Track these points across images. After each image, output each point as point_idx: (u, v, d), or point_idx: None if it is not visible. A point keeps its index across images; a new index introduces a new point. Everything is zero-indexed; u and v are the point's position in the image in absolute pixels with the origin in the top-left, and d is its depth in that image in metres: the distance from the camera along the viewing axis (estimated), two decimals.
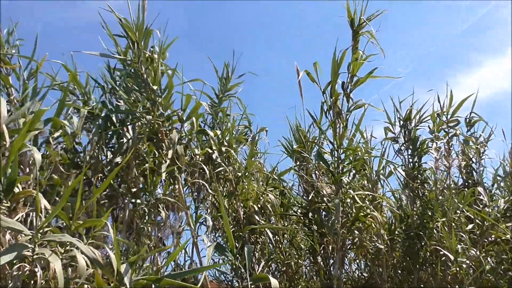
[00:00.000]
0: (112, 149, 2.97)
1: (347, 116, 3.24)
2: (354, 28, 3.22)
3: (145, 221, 2.82)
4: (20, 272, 1.63)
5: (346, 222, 3.30)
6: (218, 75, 3.93)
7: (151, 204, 2.82)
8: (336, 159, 3.28)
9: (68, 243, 1.92)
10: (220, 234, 4.00)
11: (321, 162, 3.40)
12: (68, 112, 2.78)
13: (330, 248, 3.84)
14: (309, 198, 4.13)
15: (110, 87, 3.01)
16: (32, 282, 1.78)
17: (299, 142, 4.27)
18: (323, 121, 3.43)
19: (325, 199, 3.91)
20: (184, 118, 3.11)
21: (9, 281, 1.67)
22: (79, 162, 2.93)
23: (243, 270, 3.44)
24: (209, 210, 3.84)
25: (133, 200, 2.93)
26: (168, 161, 2.83)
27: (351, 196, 3.27)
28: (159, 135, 3.06)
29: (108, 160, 2.92)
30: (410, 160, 4.22)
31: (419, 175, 4.19)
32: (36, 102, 2.45)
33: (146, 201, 2.89)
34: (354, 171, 3.41)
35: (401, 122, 4.38)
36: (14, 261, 1.62)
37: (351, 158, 3.35)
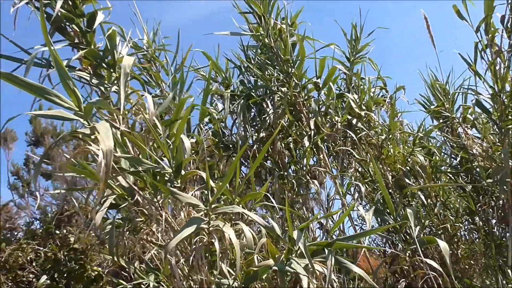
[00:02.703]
0: (256, 127, 3.06)
1: (510, 55, 2.80)
2: None
3: (296, 192, 2.85)
4: (201, 244, 1.76)
5: None
6: (346, 38, 3.77)
7: (300, 175, 2.85)
8: (499, 105, 2.88)
9: (233, 217, 2.04)
10: (367, 202, 3.90)
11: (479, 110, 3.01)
12: (213, 99, 2.93)
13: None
14: (458, 158, 3.79)
15: (246, 66, 3.09)
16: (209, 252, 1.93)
17: (437, 97, 3.92)
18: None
19: (479, 158, 3.54)
20: (320, 85, 3.04)
21: (191, 253, 1.82)
22: (228, 144, 3.09)
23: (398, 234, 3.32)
24: (353, 178, 3.76)
25: (281, 173, 2.98)
26: (311, 131, 2.81)
27: None
28: (297, 106, 3.06)
29: (253, 137, 3.02)
30: None
31: None
32: (183, 91, 2.63)
33: (295, 173, 2.92)
34: None
35: None
36: (191, 235, 1.76)
37: None
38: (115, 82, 2.09)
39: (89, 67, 2.06)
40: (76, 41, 2.09)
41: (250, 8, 2.99)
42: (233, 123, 3.06)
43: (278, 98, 3.06)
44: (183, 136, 2.12)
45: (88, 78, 2.01)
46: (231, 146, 3.13)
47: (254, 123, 3.16)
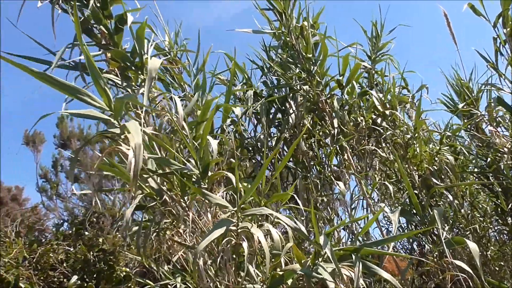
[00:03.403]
0: (279, 127, 3.05)
1: None
2: None
3: (320, 193, 2.83)
4: (229, 245, 1.76)
5: None
6: (367, 35, 3.74)
7: (324, 176, 2.82)
8: None
9: (260, 219, 2.04)
10: (392, 202, 3.84)
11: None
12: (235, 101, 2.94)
13: None
14: (487, 159, 3.70)
15: (268, 66, 3.09)
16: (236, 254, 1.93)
17: (463, 95, 3.86)
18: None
19: (506, 156, 3.45)
20: (344, 83, 3.01)
21: (219, 254, 1.82)
22: (247, 146, 3.09)
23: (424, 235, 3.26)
24: (377, 178, 3.71)
25: (305, 174, 2.97)
26: (334, 131, 2.78)
27: None
28: (319, 105, 3.03)
29: (276, 138, 3.01)
30: None
31: None
32: (206, 94, 2.64)
33: (319, 174, 2.90)
34: None
35: None
36: (219, 237, 1.77)
37: None
38: (143, 84, 2.10)
39: (116, 69, 2.08)
40: (103, 42, 2.11)
41: (270, 5, 2.97)
42: (256, 124, 3.05)
43: (301, 98, 3.04)
44: (210, 138, 2.12)
45: (116, 80, 2.02)
46: (250, 148, 3.13)
47: (277, 123, 3.15)
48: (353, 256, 1.67)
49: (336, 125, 2.80)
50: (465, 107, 3.71)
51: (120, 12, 2.10)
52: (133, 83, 2.12)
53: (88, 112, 1.57)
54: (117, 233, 2.84)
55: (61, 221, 3.64)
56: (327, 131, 3.00)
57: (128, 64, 2.05)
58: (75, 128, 9.68)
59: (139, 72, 2.09)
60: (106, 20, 2.06)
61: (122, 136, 1.56)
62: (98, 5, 2.01)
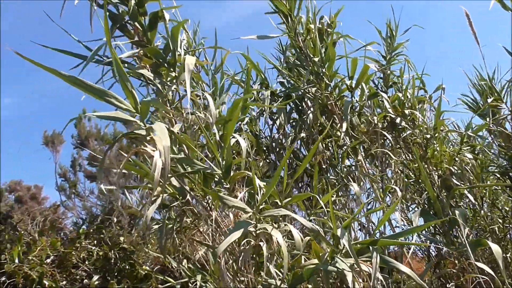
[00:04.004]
0: (297, 127, 3.05)
1: None
2: None
3: (336, 194, 2.83)
4: (248, 247, 1.77)
5: None
6: (381, 36, 3.72)
7: (339, 177, 2.81)
8: None
9: (280, 220, 2.04)
10: (409, 204, 3.81)
11: None
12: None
13: None
14: (510, 158, 3.64)
15: (284, 66, 3.08)
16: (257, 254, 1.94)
17: (482, 94, 3.80)
18: None
19: None
20: (353, 85, 2.98)
21: (239, 256, 1.83)
22: (263, 146, 3.10)
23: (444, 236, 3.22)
24: (393, 180, 3.68)
25: (321, 176, 2.96)
26: (342, 134, 2.76)
27: None
28: (329, 107, 3.01)
29: (292, 138, 3.01)
30: None
31: None
32: (226, 94, 2.65)
33: (335, 175, 2.89)
34: None
35: None
36: (240, 238, 1.77)
37: None
38: (174, 81, 2.08)
39: (148, 66, 2.08)
40: (136, 39, 2.12)
41: (276, 8, 2.95)
42: (272, 124, 3.06)
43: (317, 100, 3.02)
44: (239, 137, 2.13)
45: (149, 77, 2.03)
46: (265, 148, 3.13)
47: (293, 123, 3.14)
48: (371, 248, 1.66)
49: (344, 128, 2.77)
50: (493, 103, 3.63)
51: (151, 9, 2.10)
52: (165, 80, 2.12)
53: (114, 114, 1.58)
54: (135, 232, 2.87)
55: (80, 220, 3.70)
56: (338, 132, 2.98)
57: (161, 60, 2.04)
58: (92, 128, 9.83)
59: (172, 69, 2.08)
60: (140, 17, 2.07)
61: (148, 138, 1.56)
62: (134, 2, 2.02)
